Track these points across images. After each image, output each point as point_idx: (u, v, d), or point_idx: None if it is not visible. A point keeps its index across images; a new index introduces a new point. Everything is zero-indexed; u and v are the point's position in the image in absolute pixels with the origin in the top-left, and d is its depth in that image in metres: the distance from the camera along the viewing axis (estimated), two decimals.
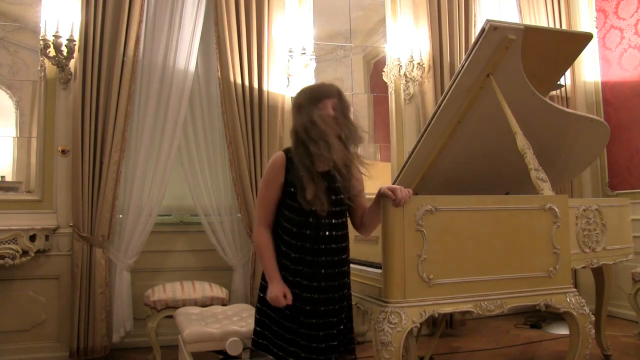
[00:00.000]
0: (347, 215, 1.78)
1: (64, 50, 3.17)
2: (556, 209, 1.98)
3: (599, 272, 3.00)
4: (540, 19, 4.31)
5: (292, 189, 1.67)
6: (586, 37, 2.60)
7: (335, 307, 1.70)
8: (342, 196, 1.71)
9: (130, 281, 3.27)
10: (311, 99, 1.68)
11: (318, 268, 1.67)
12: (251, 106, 3.43)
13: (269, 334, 1.72)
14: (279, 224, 1.73)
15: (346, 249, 1.75)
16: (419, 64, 3.89)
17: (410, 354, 2.48)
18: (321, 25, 4.00)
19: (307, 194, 1.63)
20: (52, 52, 3.16)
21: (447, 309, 1.80)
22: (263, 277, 1.75)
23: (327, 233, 1.69)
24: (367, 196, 1.83)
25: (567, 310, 1.97)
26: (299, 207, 1.67)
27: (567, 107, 4.18)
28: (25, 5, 3.54)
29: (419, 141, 2.57)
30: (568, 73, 4.29)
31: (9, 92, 3.56)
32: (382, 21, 4.14)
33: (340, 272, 1.72)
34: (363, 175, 1.77)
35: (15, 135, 3.55)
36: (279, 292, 1.65)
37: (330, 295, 1.69)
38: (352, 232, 1.86)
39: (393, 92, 4.01)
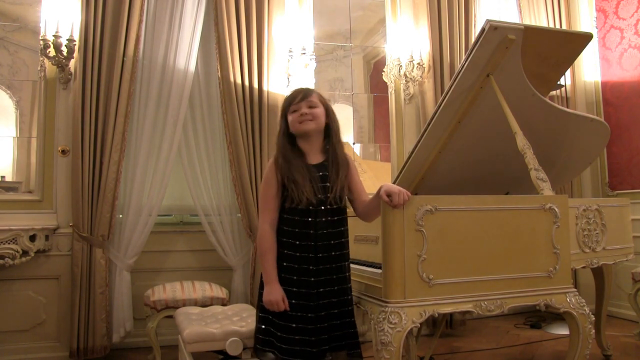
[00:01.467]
0: (346, 213, 1.83)
1: (64, 50, 3.17)
2: (556, 209, 1.98)
3: (599, 272, 3.00)
4: (540, 19, 4.31)
5: (286, 188, 1.74)
6: (586, 37, 2.60)
7: (340, 298, 1.75)
8: (337, 194, 1.76)
9: (130, 281, 3.27)
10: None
11: (317, 264, 1.72)
12: (251, 106, 3.43)
13: (273, 329, 1.73)
14: (279, 230, 1.77)
15: (346, 245, 1.80)
16: (419, 64, 3.89)
17: (410, 354, 2.48)
18: (321, 25, 4.00)
19: (298, 185, 1.70)
20: (52, 52, 3.16)
21: (447, 309, 1.80)
22: None
23: (325, 231, 1.74)
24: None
25: (567, 310, 1.97)
26: (297, 209, 1.72)
27: (567, 107, 4.18)
28: (25, 5, 3.54)
29: (418, 141, 2.57)
30: (568, 73, 4.29)
31: (9, 92, 3.56)
32: (382, 21, 4.14)
33: (338, 267, 1.76)
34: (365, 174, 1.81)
35: (15, 135, 3.55)
36: (278, 296, 1.69)
37: (333, 287, 1.74)
38: (352, 232, 1.86)
39: (393, 92, 4.01)
